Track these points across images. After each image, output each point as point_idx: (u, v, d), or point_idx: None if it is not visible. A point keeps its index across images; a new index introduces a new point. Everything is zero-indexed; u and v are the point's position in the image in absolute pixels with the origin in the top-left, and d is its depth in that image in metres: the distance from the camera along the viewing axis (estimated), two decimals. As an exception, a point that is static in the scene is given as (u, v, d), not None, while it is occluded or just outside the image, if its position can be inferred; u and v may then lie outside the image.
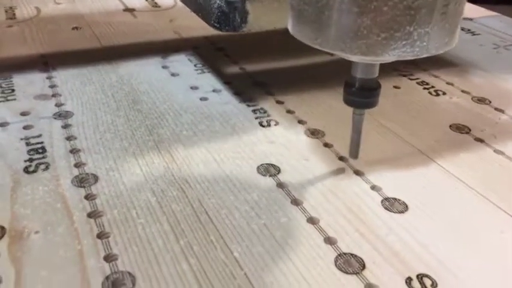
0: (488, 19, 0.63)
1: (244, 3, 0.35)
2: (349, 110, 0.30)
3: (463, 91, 0.44)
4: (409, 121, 0.39)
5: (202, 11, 0.37)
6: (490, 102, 0.43)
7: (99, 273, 0.25)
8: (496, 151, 0.36)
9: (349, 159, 0.34)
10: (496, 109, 0.41)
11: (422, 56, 0.25)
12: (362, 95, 0.29)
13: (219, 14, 0.35)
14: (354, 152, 0.32)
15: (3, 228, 0.27)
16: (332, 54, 0.27)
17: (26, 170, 0.32)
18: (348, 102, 0.30)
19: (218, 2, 0.35)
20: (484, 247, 0.27)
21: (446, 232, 0.28)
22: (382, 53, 0.25)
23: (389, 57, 0.25)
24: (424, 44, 0.25)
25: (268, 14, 0.35)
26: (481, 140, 0.37)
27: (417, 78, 0.46)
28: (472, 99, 0.43)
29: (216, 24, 0.36)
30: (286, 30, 0.29)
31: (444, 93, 0.44)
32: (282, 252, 0.26)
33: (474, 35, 0.58)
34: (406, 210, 0.30)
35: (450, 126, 0.39)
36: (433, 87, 0.45)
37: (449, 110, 0.41)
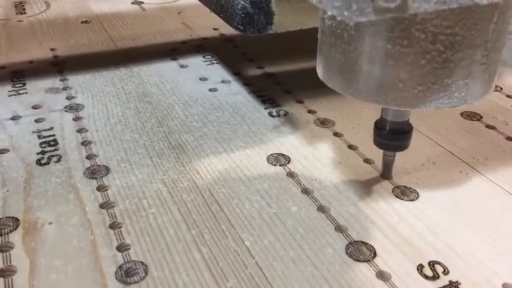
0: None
1: (269, 4, 0.32)
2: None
3: (474, 78, 0.44)
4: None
5: (224, 12, 0.34)
6: (502, 89, 0.42)
7: (112, 262, 0.25)
8: (507, 138, 0.35)
9: (359, 147, 0.34)
10: (507, 96, 0.41)
11: (459, 106, 0.24)
12: (393, 138, 0.28)
13: (242, 15, 0.32)
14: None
15: (17, 219, 0.27)
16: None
17: (39, 163, 0.32)
18: (378, 144, 0.29)
19: (242, 2, 0.32)
20: (496, 234, 0.27)
21: (458, 219, 0.28)
22: (418, 104, 0.23)
23: (425, 108, 0.24)
24: (463, 95, 0.23)
25: (294, 15, 0.33)
26: (492, 127, 0.37)
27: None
28: (483, 86, 0.43)
29: (239, 26, 0.33)
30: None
31: (455, 81, 0.43)
32: (293, 240, 0.26)
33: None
34: (417, 198, 0.29)
35: (461, 113, 0.38)
36: (443, 75, 0.44)
37: (460, 97, 0.41)
